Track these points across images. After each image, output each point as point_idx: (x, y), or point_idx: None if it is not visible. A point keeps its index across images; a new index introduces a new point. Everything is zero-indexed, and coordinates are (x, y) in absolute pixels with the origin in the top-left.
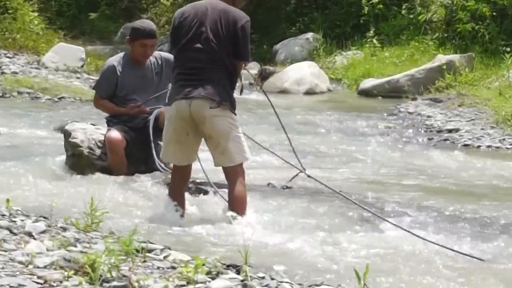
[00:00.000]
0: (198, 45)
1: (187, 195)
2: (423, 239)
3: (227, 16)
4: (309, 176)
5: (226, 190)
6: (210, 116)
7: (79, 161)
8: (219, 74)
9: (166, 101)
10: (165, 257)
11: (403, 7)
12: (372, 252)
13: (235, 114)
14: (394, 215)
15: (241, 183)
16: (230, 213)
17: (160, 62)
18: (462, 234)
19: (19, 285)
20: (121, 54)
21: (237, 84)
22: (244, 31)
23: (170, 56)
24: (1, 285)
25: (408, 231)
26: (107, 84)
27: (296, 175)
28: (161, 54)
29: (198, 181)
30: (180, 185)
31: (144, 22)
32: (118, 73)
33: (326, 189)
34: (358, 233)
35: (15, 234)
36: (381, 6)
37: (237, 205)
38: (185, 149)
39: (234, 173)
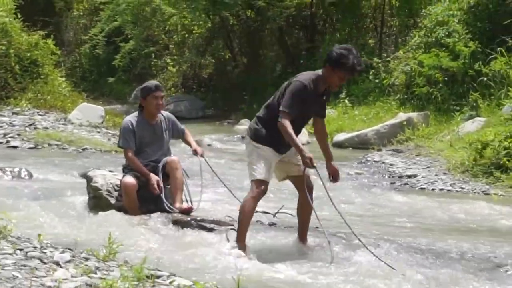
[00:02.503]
0: None
1: (189, 230)
2: (388, 265)
3: None
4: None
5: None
6: (246, 143)
7: (99, 202)
8: (260, 117)
9: None
10: (170, 283)
11: (370, 73)
12: (349, 279)
13: (260, 143)
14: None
15: (248, 197)
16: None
17: (167, 122)
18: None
19: None
20: (136, 113)
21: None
22: (288, 86)
23: (175, 118)
24: None
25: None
26: (130, 137)
27: (279, 209)
28: (168, 114)
29: (198, 218)
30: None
31: (150, 81)
32: (134, 128)
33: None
34: (333, 263)
35: (45, 263)
36: None
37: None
38: None
39: (250, 187)
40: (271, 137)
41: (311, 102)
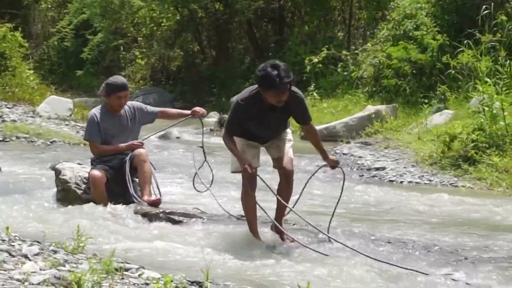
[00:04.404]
0: None
1: (158, 223)
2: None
3: None
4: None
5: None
6: None
7: (68, 195)
8: None
9: None
10: (139, 275)
11: (339, 66)
12: (315, 271)
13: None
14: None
15: (242, 190)
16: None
17: (133, 111)
18: (383, 253)
19: None
20: (100, 106)
21: None
22: None
23: (141, 105)
24: None
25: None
26: (95, 129)
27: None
28: (133, 103)
29: (167, 210)
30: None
31: (117, 78)
32: (99, 120)
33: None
34: (303, 254)
35: (13, 256)
36: (320, 65)
37: None
38: None
39: None
40: (243, 131)
41: (258, 115)
